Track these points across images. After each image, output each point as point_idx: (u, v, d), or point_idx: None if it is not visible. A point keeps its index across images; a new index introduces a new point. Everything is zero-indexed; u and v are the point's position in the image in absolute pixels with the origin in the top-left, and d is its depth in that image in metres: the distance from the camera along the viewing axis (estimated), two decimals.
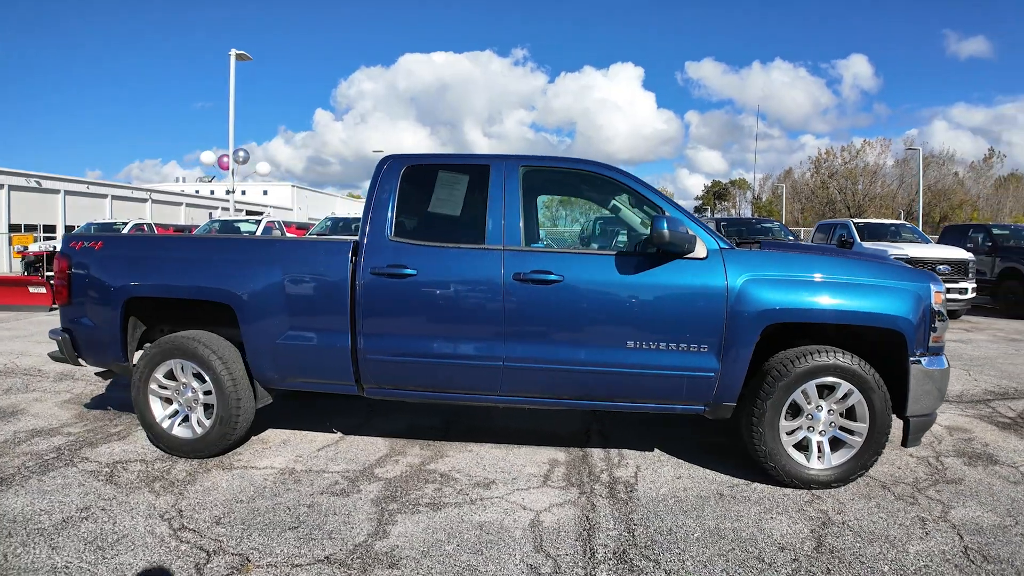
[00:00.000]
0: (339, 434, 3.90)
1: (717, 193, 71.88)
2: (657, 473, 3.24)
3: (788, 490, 2.98)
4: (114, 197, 31.22)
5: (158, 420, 3.45)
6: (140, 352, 3.69)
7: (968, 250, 9.85)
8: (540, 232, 3.26)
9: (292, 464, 3.38)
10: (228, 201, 20.02)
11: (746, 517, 2.74)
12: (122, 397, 4.64)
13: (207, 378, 3.34)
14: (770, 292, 2.88)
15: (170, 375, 3.45)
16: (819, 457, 2.97)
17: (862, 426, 2.91)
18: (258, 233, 12.85)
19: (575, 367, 3.05)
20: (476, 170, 3.31)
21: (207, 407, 3.42)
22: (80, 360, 3.67)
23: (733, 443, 3.61)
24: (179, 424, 3.46)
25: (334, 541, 2.55)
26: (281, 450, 3.60)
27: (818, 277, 2.93)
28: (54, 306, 10.49)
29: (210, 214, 35.85)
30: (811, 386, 2.91)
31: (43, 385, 5.09)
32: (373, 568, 2.35)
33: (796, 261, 3.00)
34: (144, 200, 33.61)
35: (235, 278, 3.27)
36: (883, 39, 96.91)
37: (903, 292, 2.88)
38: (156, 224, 14.95)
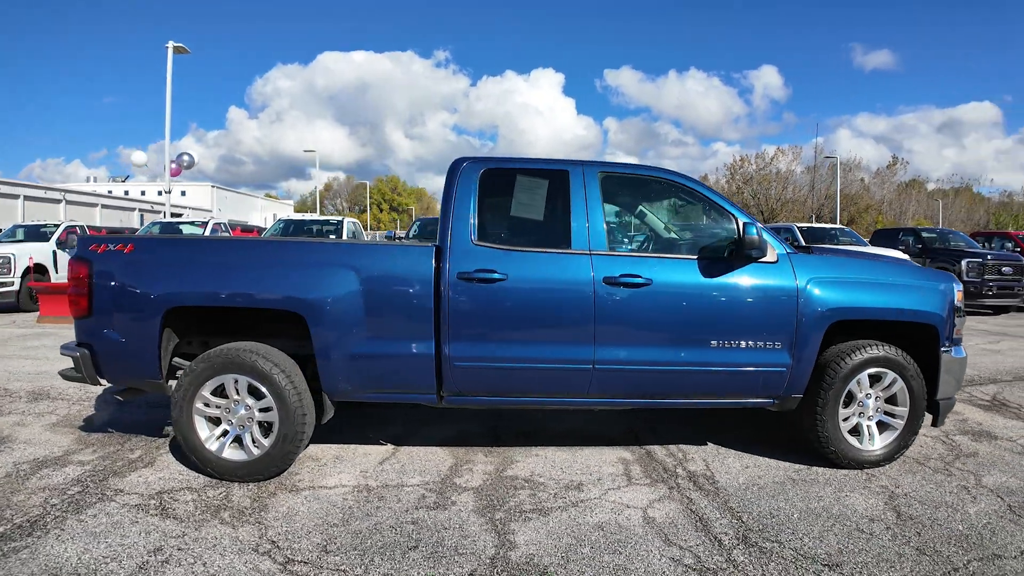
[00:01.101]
0: (390, 445, 3.73)
1: None
2: (725, 465, 3.46)
3: (844, 471, 3.33)
4: (27, 198, 28.05)
5: (205, 442, 3.11)
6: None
7: (900, 252, 11.14)
8: (620, 236, 3.36)
9: (362, 480, 3.20)
10: (144, 202, 18.20)
11: (826, 497, 3.03)
12: (120, 417, 4.14)
13: (267, 393, 3.07)
14: (833, 292, 3.21)
15: (219, 392, 3.13)
16: (870, 440, 3.35)
17: (903, 410, 3.32)
18: (206, 235, 11.73)
19: (662, 367, 3.19)
20: (555, 175, 3.34)
21: (263, 425, 3.14)
22: (100, 379, 3.22)
23: (771, 434, 3.94)
24: (230, 445, 3.14)
25: (466, 557, 2.48)
26: (339, 466, 3.39)
27: (868, 278, 3.31)
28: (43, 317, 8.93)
29: (142, 216, 32.92)
30: (864, 376, 3.28)
31: (18, 406, 4.41)
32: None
33: (848, 264, 3.37)
34: (58, 201, 30.35)
35: (307, 285, 3.05)
36: (793, 51, 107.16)
37: (936, 291, 3.33)
38: (89, 227, 13.13)
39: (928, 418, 3.43)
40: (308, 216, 12.59)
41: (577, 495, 3.06)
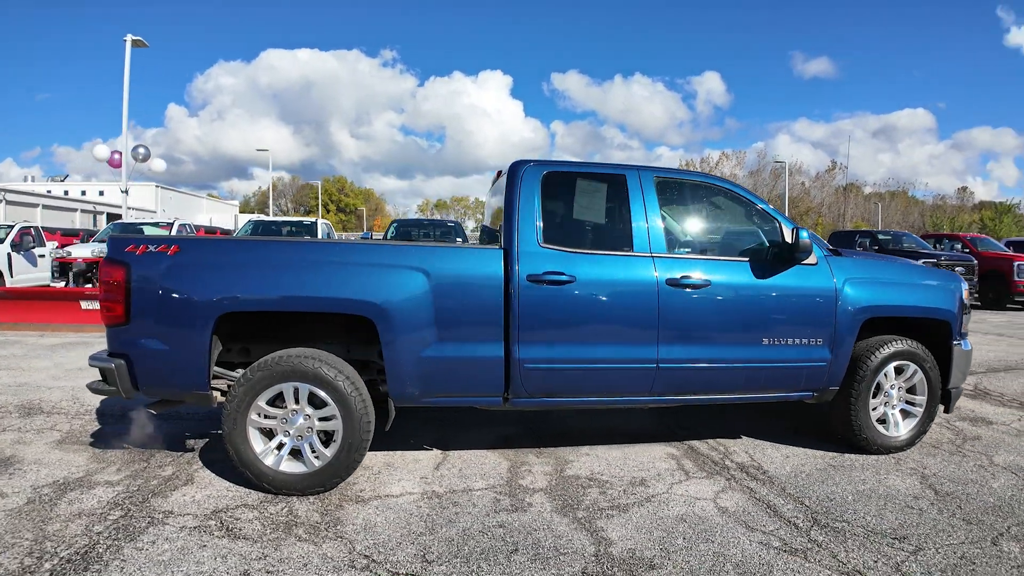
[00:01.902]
0: (437, 451, 3.65)
1: None
2: (766, 456, 3.65)
3: (874, 457, 3.60)
4: None
5: (260, 456, 2.92)
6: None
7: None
8: (676, 239, 3.46)
9: (426, 487, 3.12)
10: (86, 202, 16.78)
11: (868, 480, 3.27)
12: (130, 432, 3.84)
13: (330, 401, 2.93)
14: (866, 292, 3.47)
15: (275, 402, 2.95)
16: (895, 427, 3.64)
17: (922, 399, 3.64)
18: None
19: (719, 365, 3.33)
20: (613, 179, 3.41)
21: (323, 434, 3.00)
22: (136, 392, 2.95)
23: (795, 426, 4.19)
24: (288, 458, 2.97)
25: (570, 556, 2.48)
26: (396, 473, 3.29)
27: (894, 279, 3.61)
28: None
29: (94, 217, 30.37)
30: (890, 368, 3.57)
31: (11, 422, 3.99)
32: (638, 571, 2.37)
33: (876, 266, 3.66)
34: None
35: (377, 287, 2.94)
36: (735, 58, 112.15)
37: (949, 290, 3.68)
38: (44, 228, 11.78)
39: (940, 406, 3.77)
40: (281, 217, 12.01)
41: (645, 491, 3.13)
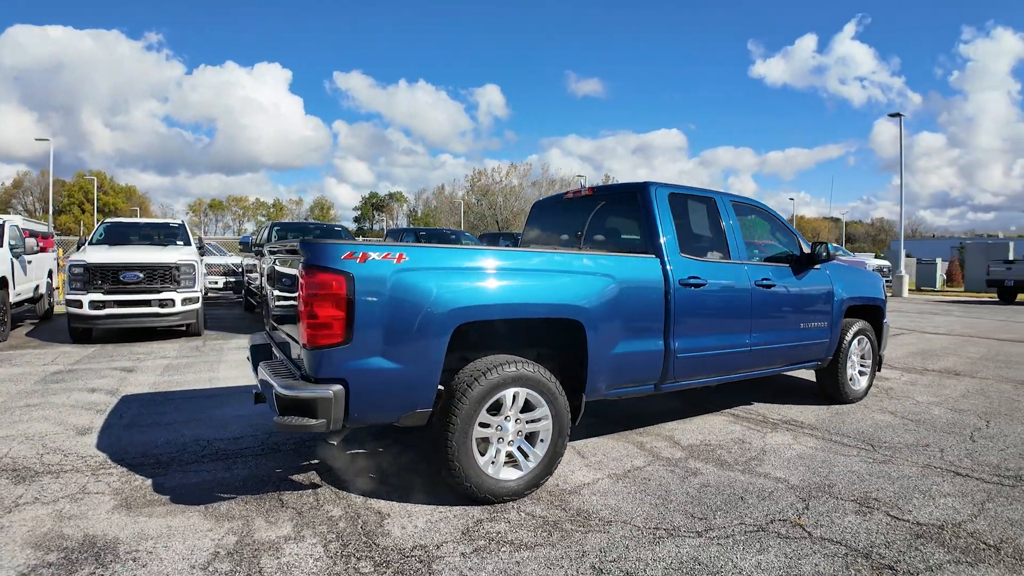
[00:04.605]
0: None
1: (375, 204, 75.36)
2: (785, 413, 4.79)
3: (850, 405, 4.99)
4: None
5: (483, 467, 2.96)
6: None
7: None
8: (749, 249, 4.34)
9: (603, 473, 3.49)
10: None
11: (867, 418, 4.58)
12: (195, 474, 3.39)
13: (543, 403, 3.12)
14: (847, 287, 4.84)
15: (492, 409, 3.01)
16: (858, 382, 5.10)
17: (869, 361, 5.18)
18: (7, 239, 7.98)
19: (780, 345, 4.33)
20: (708, 200, 4.16)
21: (529, 437, 3.15)
22: (346, 423, 2.68)
23: (773, 393, 5.47)
24: (505, 464, 3.05)
25: (775, 492, 3.14)
26: (562, 469, 3.54)
27: (856, 278, 5.05)
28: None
29: None
30: (855, 340, 5.00)
31: (45, 487, 3.13)
32: (816, 492, 3.13)
33: (846, 269, 5.06)
34: None
35: (584, 293, 3.22)
36: (515, 73, 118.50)
37: (880, 284, 5.29)
38: None
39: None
40: (142, 220, 9.91)
41: (752, 445, 3.95)
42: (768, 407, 4.96)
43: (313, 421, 2.61)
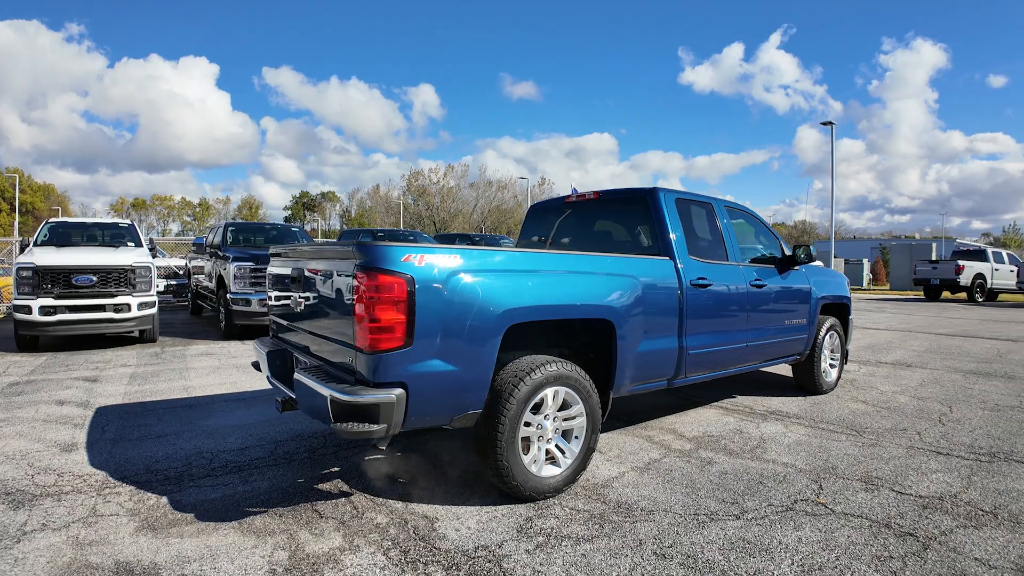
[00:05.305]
0: None
1: (306, 204, 72.63)
2: (770, 404, 5.13)
3: (827, 394, 5.41)
4: None
5: (527, 465, 3.02)
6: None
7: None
8: (742, 250, 4.61)
9: (626, 467, 3.62)
10: None
11: (844, 408, 4.99)
12: (212, 489, 3.29)
13: (578, 400, 3.22)
14: (822, 287, 5.24)
15: (533, 409, 3.07)
16: (830, 374, 5.52)
17: (838, 354, 5.63)
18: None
19: (771, 341, 4.64)
20: (707, 205, 4.39)
21: (564, 434, 3.24)
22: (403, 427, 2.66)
23: (755, 386, 5.83)
24: (546, 462, 3.12)
25: (788, 475, 3.39)
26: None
27: (828, 278, 5.48)
28: None
29: None
30: (827, 335, 5.43)
31: (50, 511, 2.87)
32: (824, 473, 3.41)
33: (819, 270, 5.47)
34: None
35: (615, 293, 3.34)
36: (450, 73, 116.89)
37: (845, 282, 5.75)
38: None
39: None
40: (89, 220, 9.14)
41: (749, 434, 4.21)
42: (751, 399, 5.29)
43: (375, 427, 2.56)
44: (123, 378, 5.94)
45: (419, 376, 2.65)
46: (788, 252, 4.92)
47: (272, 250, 3.99)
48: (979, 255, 20.54)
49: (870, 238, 59.89)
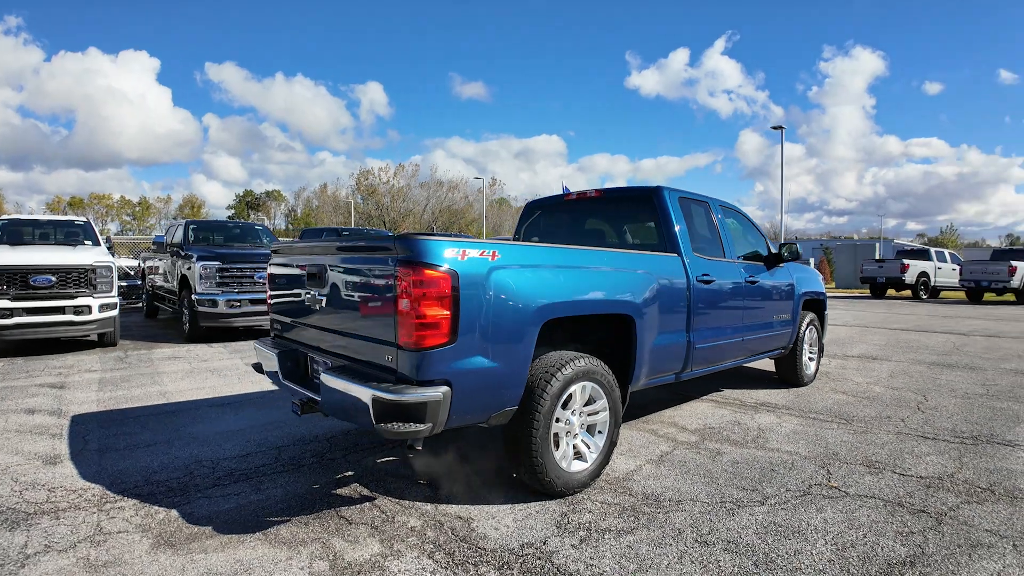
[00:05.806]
0: None
1: (250, 203, 69.77)
2: (757, 396, 5.33)
3: (810, 385, 5.67)
4: None
5: (559, 461, 3.03)
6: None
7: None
8: (736, 248, 4.76)
9: (641, 462, 3.69)
10: None
11: (826, 399, 5.24)
12: (214, 507, 3.09)
13: (603, 395, 3.26)
14: (803, 283, 5.50)
15: (563, 404, 3.09)
16: (809, 367, 5.79)
17: (816, 348, 5.92)
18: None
19: (762, 335, 4.82)
20: (704, 204, 4.53)
21: (589, 429, 3.27)
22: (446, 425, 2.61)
23: (737, 381, 6.05)
24: (573, 457, 3.14)
25: (795, 463, 3.54)
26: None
27: (807, 275, 5.75)
28: None
29: None
30: (808, 330, 5.70)
31: (50, 530, 2.60)
32: (828, 459, 3.58)
33: (799, 268, 5.72)
34: None
35: (634, 288, 3.39)
36: (397, 71, 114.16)
37: (820, 279, 6.05)
38: None
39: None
40: (43, 217, 8.47)
41: (747, 425, 4.37)
42: (739, 392, 5.49)
43: (420, 427, 2.49)
44: (91, 384, 5.55)
45: (463, 373, 2.60)
46: (774, 250, 5.14)
47: (274, 247, 3.83)
48: (923, 254, 21.81)
49: (810, 239, 63.08)
